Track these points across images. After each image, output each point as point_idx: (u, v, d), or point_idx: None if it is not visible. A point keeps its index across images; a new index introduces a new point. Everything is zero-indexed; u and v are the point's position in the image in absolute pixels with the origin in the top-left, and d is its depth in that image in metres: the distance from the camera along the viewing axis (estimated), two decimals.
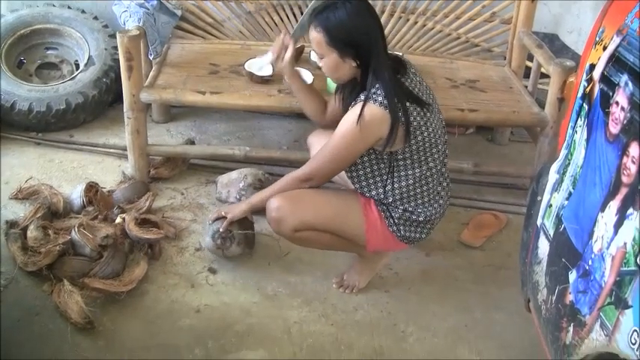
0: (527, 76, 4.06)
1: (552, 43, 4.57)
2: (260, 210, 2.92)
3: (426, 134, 2.64)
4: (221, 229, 2.96)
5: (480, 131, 4.58)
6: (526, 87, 3.89)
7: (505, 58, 4.15)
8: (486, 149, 4.43)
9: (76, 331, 2.67)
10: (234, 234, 3.02)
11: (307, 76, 3.55)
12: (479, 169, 3.68)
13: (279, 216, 2.76)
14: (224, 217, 2.96)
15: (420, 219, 2.79)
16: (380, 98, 2.53)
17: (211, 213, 3.10)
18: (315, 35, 2.61)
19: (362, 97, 2.58)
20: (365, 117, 2.54)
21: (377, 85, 2.55)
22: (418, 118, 2.60)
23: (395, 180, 2.72)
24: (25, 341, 2.61)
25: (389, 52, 2.71)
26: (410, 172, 2.71)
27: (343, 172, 2.80)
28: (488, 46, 4.22)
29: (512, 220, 3.65)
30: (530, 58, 3.96)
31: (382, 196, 2.76)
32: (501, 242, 3.51)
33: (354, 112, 2.58)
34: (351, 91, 2.79)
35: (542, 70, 3.79)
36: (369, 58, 2.57)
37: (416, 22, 4.17)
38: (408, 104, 2.57)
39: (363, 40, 2.56)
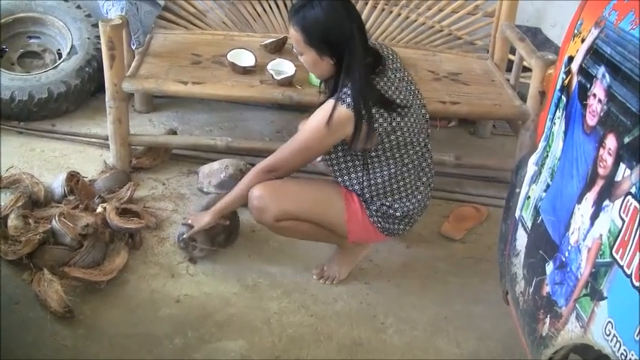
0: (509, 69, 4.07)
1: (535, 36, 4.58)
2: (228, 212, 2.97)
3: (399, 134, 2.64)
4: (185, 236, 3.00)
5: (462, 124, 4.59)
6: (508, 80, 3.90)
7: (488, 51, 4.16)
8: (468, 142, 4.45)
9: (56, 320, 2.67)
10: (196, 242, 3.03)
11: (289, 67, 3.55)
12: (460, 161, 3.70)
13: (260, 205, 2.77)
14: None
15: (397, 214, 2.80)
16: (348, 100, 2.54)
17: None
18: (293, 33, 2.62)
19: (335, 96, 2.59)
20: (334, 117, 2.55)
21: (347, 85, 2.56)
22: (385, 124, 2.60)
23: (370, 177, 2.74)
24: (5, 329, 2.60)
25: (375, 43, 2.72)
26: (385, 169, 2.72)
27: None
28: (471, 39, 4.23)
29: (493, 212, 3.66)
30: (513, 51, 3.98)
31: (359, 191, 2.79)
32: (482, 235, 3.53)
33: (323, 110, 2.60)
34: (332, 87, 2.79)
35: (525, 63, 3.81)
36: (342, 57, 2.57)
37: (399, 14, 4.17)
38: (374, 110, 2.58)
39: (338, 39, 2.56)
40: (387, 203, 2.78)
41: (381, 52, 2.71)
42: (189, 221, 3.01)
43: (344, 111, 2.54)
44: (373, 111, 2.57)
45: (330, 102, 2.59)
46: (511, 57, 4.09)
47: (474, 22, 4.19)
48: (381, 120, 2.59)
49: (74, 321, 2.69)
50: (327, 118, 2.56)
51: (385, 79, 2.65)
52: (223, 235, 3.12)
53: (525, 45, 3.66)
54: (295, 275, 3.09)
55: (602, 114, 1.80)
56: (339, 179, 2.80)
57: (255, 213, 2.82)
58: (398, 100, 2.63)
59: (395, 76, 2.69)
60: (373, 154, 2.68)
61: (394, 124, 2.62)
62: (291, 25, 2.62)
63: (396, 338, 2.81)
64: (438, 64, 4.00)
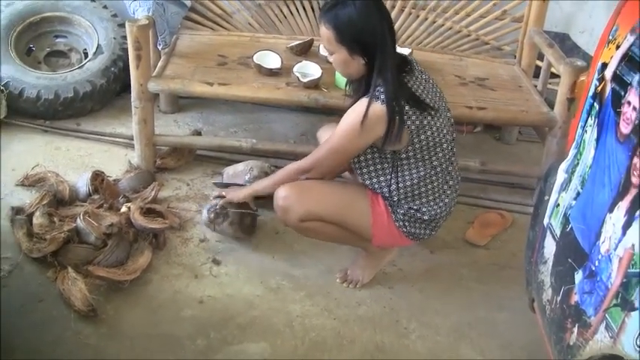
0: (537, 75, 4.04)
1: (563, 42, 4.55)
2: (263, 198, 2.97)
3: (429, 133, 2.63)
4: (218, 205, 3.03)
5: (487, 130, 4.57)
6: (535, 86, 3.87)
7: (515, 57, 4.14)
8: (494, 148, 4.42)
9: (79, 319, 2.67)
10: (228, 212, 3.06)
11: (315, 70, 3.54)
12: (486, 167, 3.67)
13: (286, 205, 2.77)
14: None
15: (425, 217, 2.79)
16: (382, 97, 2.52)
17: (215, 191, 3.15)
18: (325, 32, 2.60)
19: (368, 94, 2.58)
20: (368, 116, 2.54)
21: (380, 84, 2.54)
22: (417, 122, 2.59)
23: (399, 179, 2.72)
24: (28, 327, 2.61)
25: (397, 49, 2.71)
26: (414, 171, 2.70)
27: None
28: (499, 44, 4.21)
29: (517, 219, 3.64)
30: (541, 57, 3.95)
31: (387, 195, 2.77)
32: (506, 241, 3.50)
33: (357, 109, 2.58)
34: (356, 88, 2.79)
35: (553, 69, 3.78)
36: (375, 56, 2.56)
37: (426, 19, 4.15)
38: (407, 108, 2.56)
39: (370, 39, 2.54)
40: (415, 207, 2.76)
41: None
42: (224, 193, 3.05)
43: (378, 108, 2.53)
44: (406, 108, 2.56)
45: (363, 101, 2.57)
46: (539, 63, 4.06)
47: (501, 27, 4.16)
48: (413, 117, 2.57)
49: (97, 320, 2.69)
50: (361, 117, 2.55)
51: (414, 78, 2.63)
52: (249, 219, 3.16)
53: (554, 51, 3.63)
54: (318, 278, 3.08)
55: (636, 122, 1.77)
56: (367, 182, 2.78)
57: (281, 213, 2.82)
58: (427, 100, 2.62)
59: (422, 77, 2.68)
60: (403, 155, 2.66)
61: (425, 122, 2.60)
62: (322, 23, 2.60)
63: (419, 344, 2.79)
64: (464, 69, 3.98)
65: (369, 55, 2.57)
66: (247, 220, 3.16)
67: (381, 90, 2.53)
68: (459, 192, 2.93)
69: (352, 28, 2.54)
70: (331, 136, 2.71)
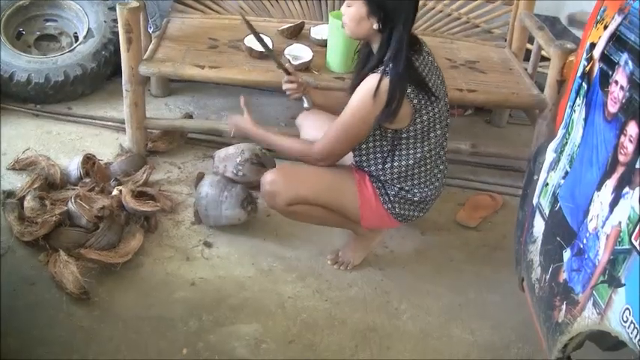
0: (527, 58, 4.05)
1: (553, 26, 4.56)
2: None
3: (431, 115, 2.62)
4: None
5: (478, 112, 4.58)
6: (526, 69, 3.88)
7: (506, 40, 4.14)
8: (484, 131, 4.43)
9: (72, 301, 2.68)
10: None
11: (306, 53, 3.54)
12: (476, 150, 3.68)
13: (272, 190, 2.77)
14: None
15: (415, 199, 2.79)
16: (393, 73, 2.50)
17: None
18: None
19: (379, 69, 2.54)
20: (380, 89, 2.51)
21: (392, 60, 2.51)
22: (423, 101, 2.58)
23: (395, 158, 2.72)
24: (21, 310, 2.62)
25: None
26: (411, 151, 2.70)
27: None
28: (489, 27, 4.21)
29: (508, 201, 3.65)
30: (531, 40, 3.95)
31: (380, 172, 2.76)
32: (497, 223, 3.51)
33: (368, 84, 2.55)
34: (363, 63, 2.76)
35: (543, 52, 3.78)
36: (392, 29, 2.51)
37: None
38: (409, 90, 2.54)
39: (396, 10, 2.49)
40: (407, 187, 2.77)
41: None
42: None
43: (386, 82, 2.50)
44: (408, 90, 2.53)
45: (374, 76, 2.53)
46: (529, 46, 4.07)
47: (492, 10, 4.16)
48: (415, 101, 2.56)
49: (89, 302, 2.70)
50: (372, 91, 2.51)
51: (421, 58, 2.61)
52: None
53: (544, 34, 3.64)
54: (310, 260, 3.10)
55: (623, 101, 1.78)
56: (358, 157, 2.78)
57: (268, 198, 2.82)
58: (430, 83, 2.60)
59: (428, 58, 2.66)
60: (404, 135, 2.65)
61: (429, 102, 2.59)
62: None
63: (410, 324, 2.81)
64: (455, 52, 3.98)
65: (385, 22, 2.51)
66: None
67: (391, 66, 2.50)
68: (446, 175, 2.93)
69: None
70: (341, 117, 2.66)
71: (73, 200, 2.96)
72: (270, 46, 3.34)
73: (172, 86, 4.43)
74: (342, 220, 2.90)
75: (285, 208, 2.81)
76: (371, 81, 2.54)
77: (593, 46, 2.07)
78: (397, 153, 2.71)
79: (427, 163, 2.75)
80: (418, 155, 2.71)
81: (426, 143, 2.69)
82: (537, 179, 2.41)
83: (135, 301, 2.75)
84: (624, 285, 1.66)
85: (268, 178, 2.78)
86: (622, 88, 1.80)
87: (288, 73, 2.97)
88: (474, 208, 3.54)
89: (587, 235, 1.90)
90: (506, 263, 2.92)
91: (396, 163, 2.73)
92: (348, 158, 2.84)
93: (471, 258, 3.24)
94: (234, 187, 3.16)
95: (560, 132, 2.28)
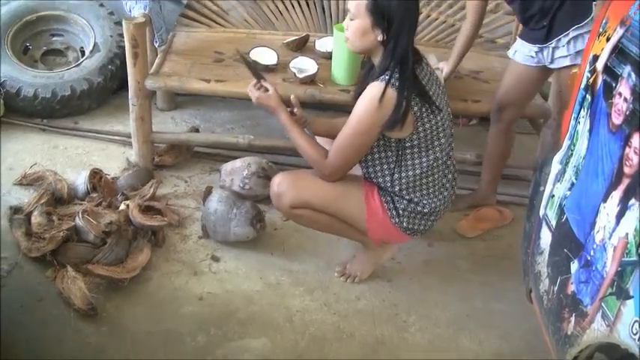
0: None
1: None
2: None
3: (433, 122, 2.63)
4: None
5: (483, 123, 4.56)
6: None
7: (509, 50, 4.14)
8: None
9: (79, 317, 2.69)
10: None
11: (311, 65, 3.55)
12: (481, 160, 3.67)
13: (279, 191, 2.81)
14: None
15: (425, 210, 2.79)
16: (397, 83, 2.51)
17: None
18: None
19: (381, 78, 2.54)
20: (385, 97, 2.51)
21: (397, 70, 2.52)
22: (424, 109, 2.59)
23: (402, 169, 2.72)
24: (28, 326, 2.63)
25: None
26: (417, 161, 2.70)
27: None
28: (492, 37, 4.22)
29: (513, 210, 3.65)
30: None
31: (389, 184, 2.76)
32: (503, 233, 3.52)
33: (372, 92, 2.55)
34: (366, 75, 2.77)
35: None
36: (397, 38, 2.52)
37: (420, 12, 4.15)
38: (413, 95, 2.55)
39: (400, 21, 2.50)
40: (416, 199, 2.77)
41: None
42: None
43: (391, 92, 2.51)
44: (413, 95, 2.55)
45: (377, 84, 2.54)
46: None
47: (495, 20, 4.17)
48: (415, 108, 2.57)
49: (97, 318, 2.71)
50: (377, 99, 2.52)
51: (420, 68, 2.63)
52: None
53: None
54: (317, 273, 3.10)
55: (627, 113, 1.79)
56: (366, 169, 2.79)
57: (274, 198, 2.86)
58: (431, 92, 2.61)
59: (427, 69, 2.68)
60: (407, 144, 2.66)
61: (430, 111, 2.60)
62: None
63: (419, 336, 2.81)
64: None
65: (389, 32, 2.52)
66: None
67: (397, 77, 2.52)
68: (456, 185, 2.94)
69: (388, 2, 2.49)
70: (345, 129, 2.65)
71: (80, 215, 2.97)
72: (275, 61, 3.36)
73: (178, 100, 4.45)
74: (349, 230, 2.91)
75: (289, 211, 2.84)
76: (374, 89, 2.55)
77: (596, 58, 2.07)
78: (403, 163, 2.71)
79: (435, 173, 2.76)
80: (424, 165, 2.71)
81: (431, 152, 2.70)
82: (543, 190, 2.41)
83: (143, 316, 2.76)
84: (633, 297, 1.66)
85: (277, 179, 2.83)
86: (625, 100, 1.81)
87: (259, 79, 2.94)
88: (477, 220, 3.54)
89: (595, 246, 1.89)
90: (513, 273, 2.92)
91: (403, 174, 2.73)
92: (358, 167, 2.84)
93: (478, 268, 3.25)
94: (243, 203, 3.16)
95: (566, 143, 2.28)
